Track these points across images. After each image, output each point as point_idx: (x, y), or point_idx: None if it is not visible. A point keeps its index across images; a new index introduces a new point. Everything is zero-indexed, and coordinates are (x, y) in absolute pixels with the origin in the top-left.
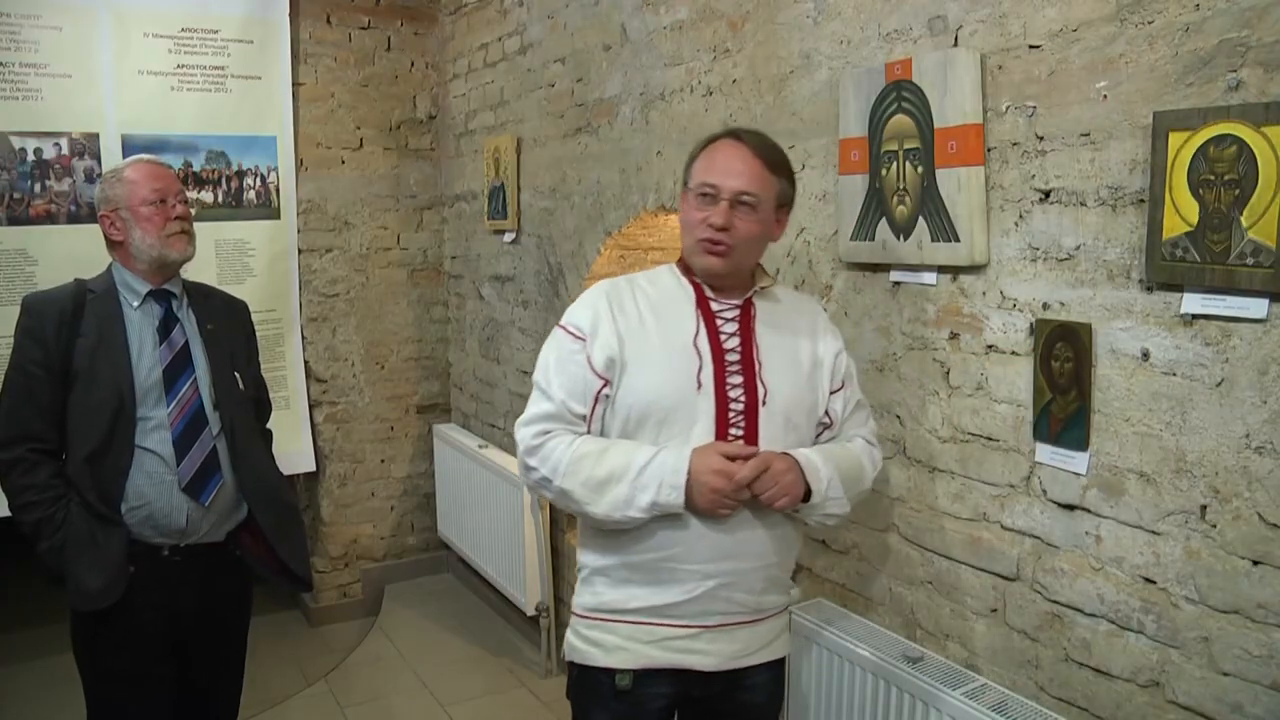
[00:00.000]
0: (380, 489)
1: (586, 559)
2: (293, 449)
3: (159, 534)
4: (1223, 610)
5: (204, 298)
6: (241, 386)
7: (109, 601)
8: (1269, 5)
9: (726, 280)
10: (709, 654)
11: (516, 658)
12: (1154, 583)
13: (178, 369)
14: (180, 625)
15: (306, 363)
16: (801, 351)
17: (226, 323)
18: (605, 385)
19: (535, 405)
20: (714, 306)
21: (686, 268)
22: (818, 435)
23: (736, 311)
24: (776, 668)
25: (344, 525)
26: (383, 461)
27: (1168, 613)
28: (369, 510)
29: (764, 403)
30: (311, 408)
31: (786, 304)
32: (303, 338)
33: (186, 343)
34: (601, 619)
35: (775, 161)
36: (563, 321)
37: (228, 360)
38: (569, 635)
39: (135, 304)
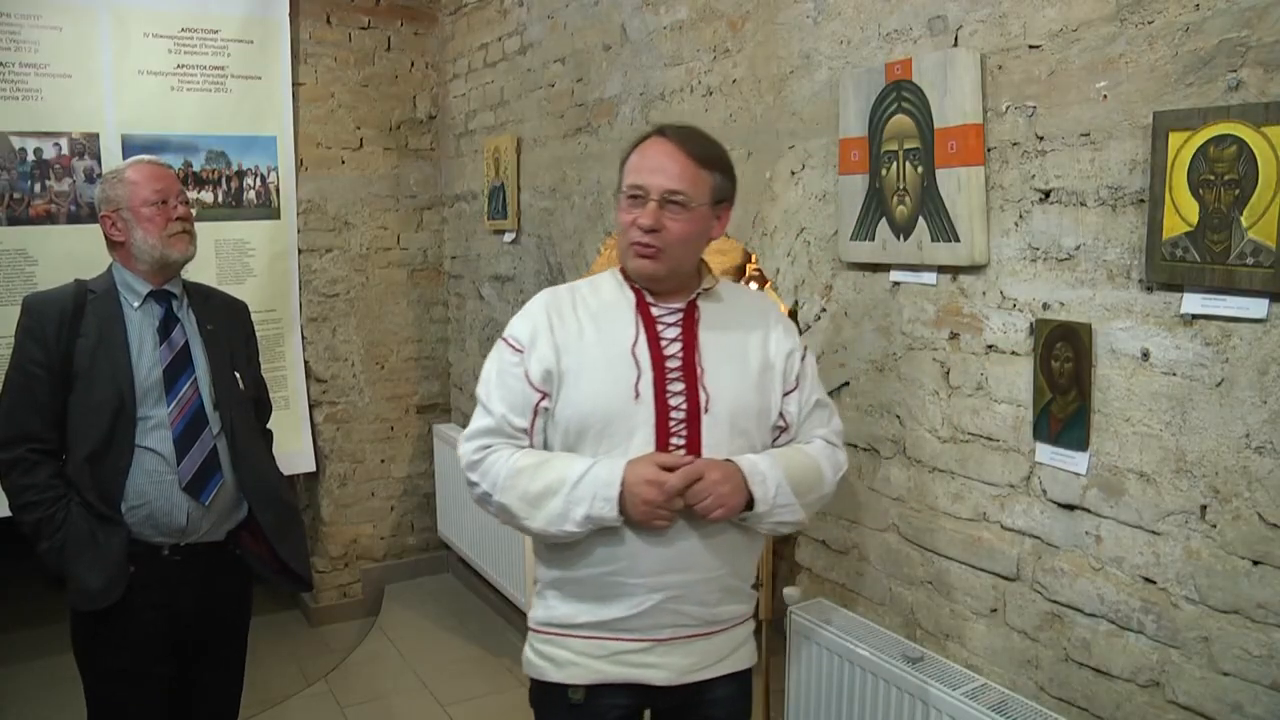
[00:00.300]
0: (380, 489)
1: (539, 572)
2: (293, 449)
3: (159, 533)
4: (1223, 610)
5: (204, 298)
6: (242, 386)
7: (109, 601)
8: (1269, 5)
9: (666, 283)
10: (662, 668)
11: (516, 658)
12: (1154, 583)
13: (178, 369)
14: (180, 625)
15: (306, 363)
16: (750, 354)
17: (227, 323)
18: (543, 398)
19: (477, 420)
20: (655, 311)
21: (626, 275)
22: (775, 439)
23: (679, 315)
24: (741, 681)
25: (344, 525)
26: (383, 461)
27: (1168, 613)
28: (369, 510)
29: (706, 410)
30: (311, 408)
31: (735, 304)
32: (303, 338)
33: (187, 343)
34: (553, 633)
35: (706, 156)
36: (505, 333)
37: (228, 360)
38: (525, 648)
39: (136, 304)
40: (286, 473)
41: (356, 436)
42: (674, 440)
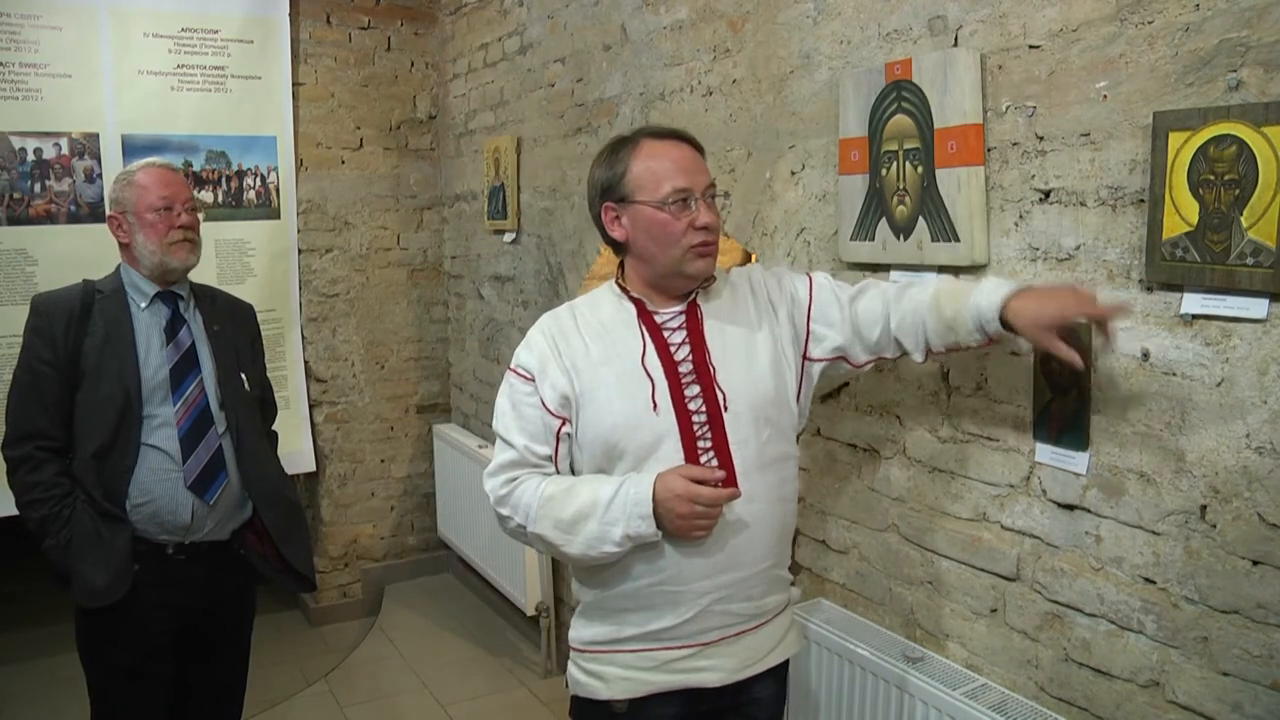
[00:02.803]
0: (380, 489)
1: (581, 593)
2: (293, 449)
3: (164, 531)
4: (1223, 610)
5: (211, 300)
6: (247, 388)
7: (114, 598)
8: (1269, 5)
9: (666, 284)
10: (714, 669)
11: (516, 657)
12: (1154, 583)
13: (184, 369)
14: (184, 623)
15: (306, 363)
16: (758, 338)
17: (233, 325)
18: (564, 424)
19: (499, 455)
20: (659, 318)
21: (623, 287)
22: (866, 361)
23: (682, 318)
24: (779, 678)
25: (344, 525)
26: (383, 461)
27: (1168, 613)
28: (369, 510)
29: (726, 408)
30: (311, 408)
31: (728, 289)
32: (303, 338)
33: (193, 343)
34: (600, 651)
35: (702, 149)
36: (512, 364)
37: (234, 361)
38: (570, 667)
39: (143, 305)
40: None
41: (356, 436)
42: (700, 444)
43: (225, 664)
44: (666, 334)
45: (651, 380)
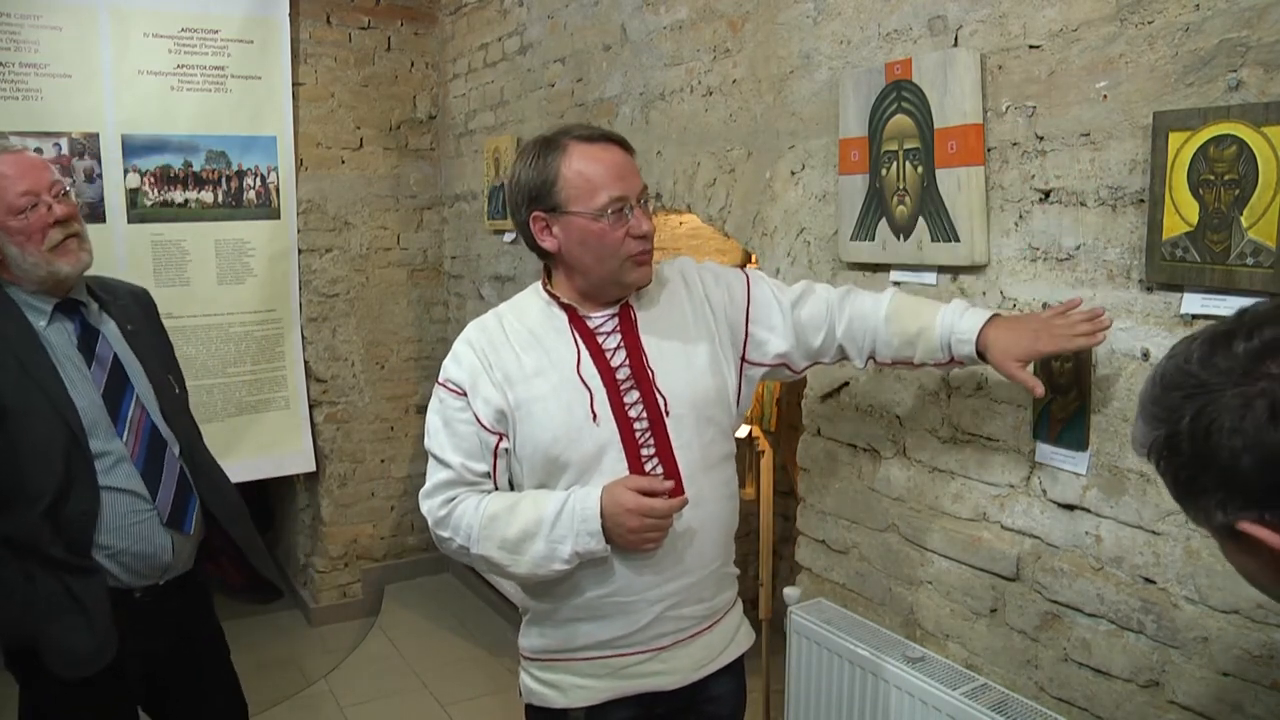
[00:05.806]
0: (380, 489)
1: (528, 602)
2: (293, 449)
3: (139, 576)
4: (1223, 610)
5: (111, 295)
6: (177, 391)
7: (104, 662)
8: (1269, 5)
9: (600, 293)
10: (670, 673)
11: (517, 657)
12: (1154, 583)
13: (117, 389)
14: (153, 669)
15: (306, 363)
16: (695, 337)
17: (143, 319)
18: (501, 439)
19: (433, 474)
20: (591, 324)
21: (552, 293)
22: (806, 366)
23: (615, 322)
24: (736, 672)
25: (344, 525)
26: (383, 461)
27: (1168, 613)
28: (369, 510)
29: (668, 413)
30: (311, 408)
31: (662, 286)
32: (303, 338)
33: (115, 355)
34: (552, 659)
35: (631, 148)
36: (441, 378)
37: (160, 364)
38: (522, 676)
39: (43, 323)
40: (285, 473)
41: (356, 436)
42: (644, 451)
43: (219, 692)
44: (600, 339)
45: (589, 390)
